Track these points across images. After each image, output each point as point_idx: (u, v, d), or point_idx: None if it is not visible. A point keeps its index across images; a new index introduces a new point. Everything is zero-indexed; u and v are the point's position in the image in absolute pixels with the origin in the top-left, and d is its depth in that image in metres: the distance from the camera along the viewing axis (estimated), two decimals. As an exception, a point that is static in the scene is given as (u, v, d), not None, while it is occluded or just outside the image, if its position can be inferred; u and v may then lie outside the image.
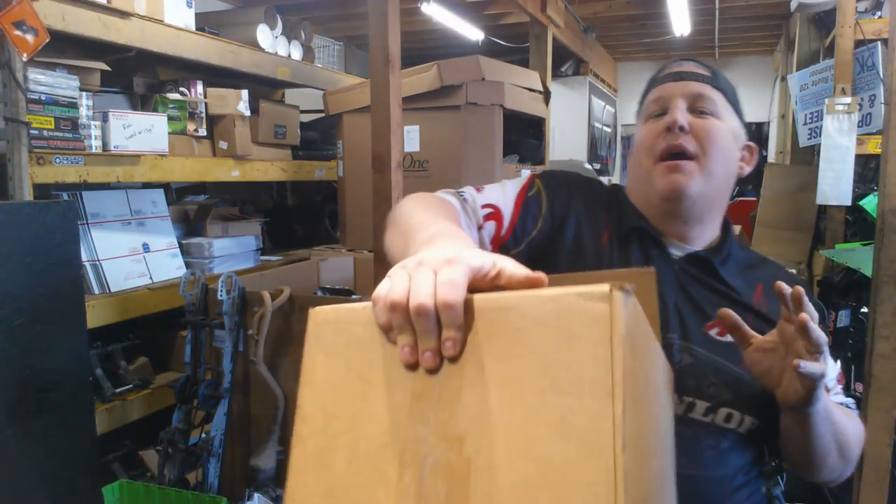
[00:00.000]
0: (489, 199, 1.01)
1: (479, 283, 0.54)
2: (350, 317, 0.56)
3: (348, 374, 0.54)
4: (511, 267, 0.55)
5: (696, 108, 1.00)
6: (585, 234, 1.02)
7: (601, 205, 1.06)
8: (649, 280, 0.69)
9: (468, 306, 0.51)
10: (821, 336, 0.76)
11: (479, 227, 0.98)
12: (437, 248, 0.60)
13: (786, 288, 0.78)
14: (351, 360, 0.55)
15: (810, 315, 0.76)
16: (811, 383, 0.77)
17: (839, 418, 0.91)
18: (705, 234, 1.05)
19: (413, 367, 0.52)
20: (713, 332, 0.94)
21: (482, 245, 0.98)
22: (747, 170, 1.08)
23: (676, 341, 0.92)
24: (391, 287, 0.53)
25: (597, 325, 0.45)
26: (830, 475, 0.96)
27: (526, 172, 2.71)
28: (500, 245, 0.99)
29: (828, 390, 0.97)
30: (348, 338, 0.55)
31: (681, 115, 0.98)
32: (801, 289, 0.77)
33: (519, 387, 0.47)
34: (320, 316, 0.57)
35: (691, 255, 1.02)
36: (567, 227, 1.02)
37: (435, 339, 0.51)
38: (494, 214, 1.00)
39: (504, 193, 1.03)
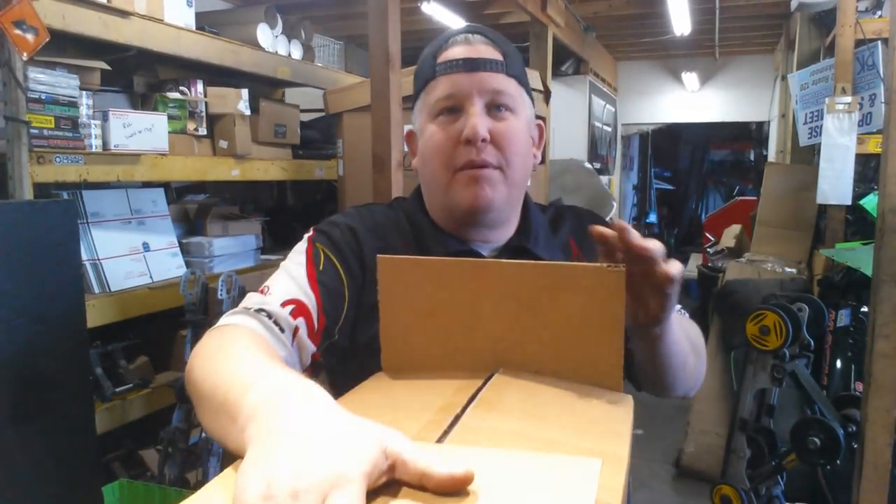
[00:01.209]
0: (285, 295, 0.84)
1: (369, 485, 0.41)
2: None
3: None
4: (412, 456, 0.42)
5: (493, 104, 0.91)
6: None
7: (393, 235, 0.97)
8: (617, 279, 0.65)
9: None
10: (652, 243, 0.70)
11: (295, 332, 0.82)
12: (295, 437, 0.43)
13: (600, 229, 0.72)
14: None
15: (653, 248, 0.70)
16: (667, 292, 0.71)
17: (680, 319, 0.88)
18: (509, 228, 0.99)
19: None
20: None
21: (303, 350, 0.83)
22: (538, 156, 1.01)
23: None
24: None
25: None
26: (689, 382, 0.93)
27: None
28: (321, 338, 0.85)
29: None
30: None
31: (481, 125, 0.88)
32: (622, 223, 0.70)
33: None
34: None
35: (504, 249, 0.97)
36: (371, 280, 0.86)
37: None
38: (299, 308, 0.83)
39: (294, 280, 0.87)
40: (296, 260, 0.91)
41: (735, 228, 4.86)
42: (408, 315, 0.73)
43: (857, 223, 3.20)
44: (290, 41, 2.94)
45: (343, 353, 0.90)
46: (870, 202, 2.91)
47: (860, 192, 3.06)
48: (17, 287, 1.45)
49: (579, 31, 5.22)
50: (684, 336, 0.87)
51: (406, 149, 1.04)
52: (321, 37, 3.47)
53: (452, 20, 4.41)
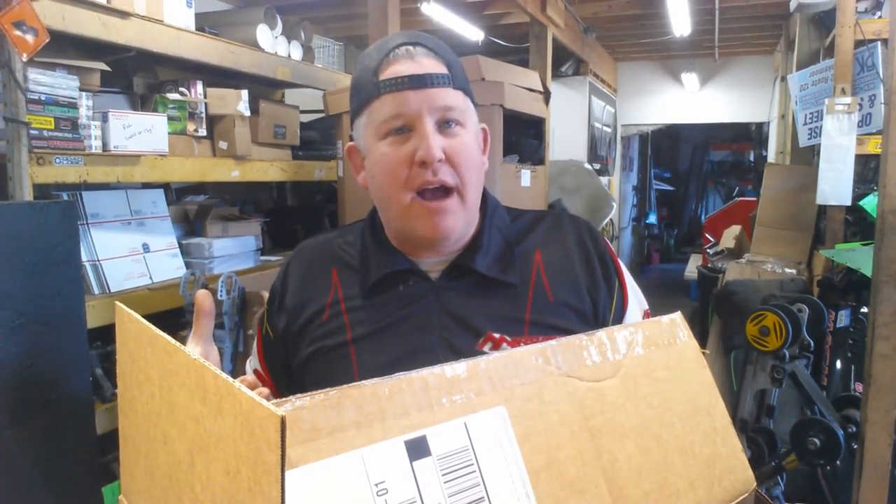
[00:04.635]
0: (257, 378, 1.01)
1: None
2: None
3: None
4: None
5: (443, 120, 0.87)
6: (310, 319, 0.95)
7: (324, 267, 0.99)
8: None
9: None
10: None
11: None
12: None
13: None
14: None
15: None
16: None
17: None
18: (464, 239, 0.96)
19: None
20: (487, 349, 0.86)
21: None
22: (486, 162, 0.96)
23: None
24: None
25: None
26: None
27: (526, 173, 2.70)
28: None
29: None
30: None
31: (436, 146, 0.84)
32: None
33: None
34: None
35: (450, 268, 0.93)
36: (301, 328, 0.96)
37: None
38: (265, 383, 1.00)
39: (254, 359, 1.05)
40: (254, 349, 1.05)
41: (735, 229, 4.86)
42: None
43: (857, 224, 3.20)
44: (289, 42, 2.94)
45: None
46: (869, 203, 2.92)
47: (860, 192, 3.06)
48: (17, 288, 1.45)
49: (579, 32, 5.22)
50: None
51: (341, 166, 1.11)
52: (321, 38, 3.47)
53: (452, 21, 4.41)
